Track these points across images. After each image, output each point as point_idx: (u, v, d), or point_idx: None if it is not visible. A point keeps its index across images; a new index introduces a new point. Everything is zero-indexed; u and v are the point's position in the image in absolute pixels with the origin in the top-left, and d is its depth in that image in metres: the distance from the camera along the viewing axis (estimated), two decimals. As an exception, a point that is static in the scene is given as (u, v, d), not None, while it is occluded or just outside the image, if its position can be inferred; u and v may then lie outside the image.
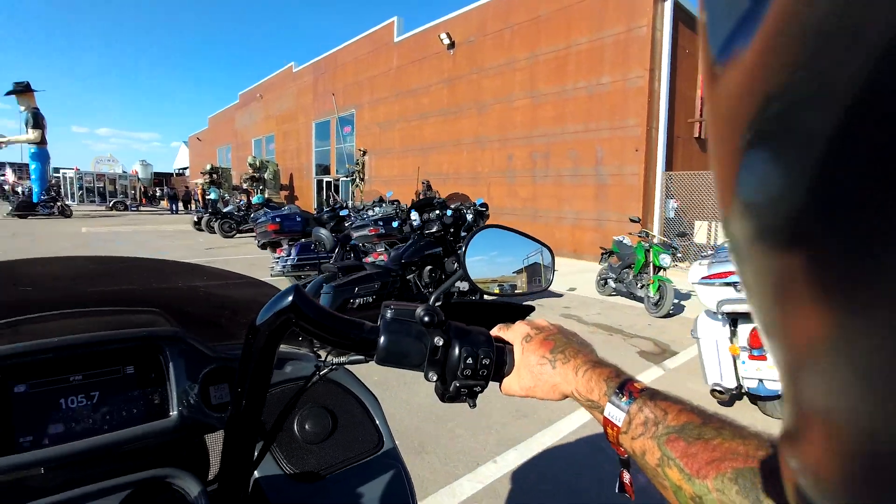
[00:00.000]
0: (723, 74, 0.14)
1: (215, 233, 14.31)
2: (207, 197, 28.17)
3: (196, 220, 15.00)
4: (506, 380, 0.55)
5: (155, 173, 41.06)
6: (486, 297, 0.68)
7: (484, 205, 6.72)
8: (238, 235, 13.70)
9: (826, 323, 0.12)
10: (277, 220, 6.12)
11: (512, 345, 0.56)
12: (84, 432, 0.61)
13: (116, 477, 0.60)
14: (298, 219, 6.11)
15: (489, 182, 12.86)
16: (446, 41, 13.69)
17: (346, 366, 0.61)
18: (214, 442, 0.76)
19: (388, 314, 0.52)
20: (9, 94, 20.95)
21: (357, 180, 14.58)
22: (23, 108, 21.13)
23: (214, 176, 30.10)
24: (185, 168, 48.50)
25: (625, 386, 0.46)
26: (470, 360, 0.52)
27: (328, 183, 21.26)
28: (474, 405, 0.54)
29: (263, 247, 7.09)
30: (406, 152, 15.87)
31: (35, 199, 19.82)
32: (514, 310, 0.70)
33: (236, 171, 31.45)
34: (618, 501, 1.48)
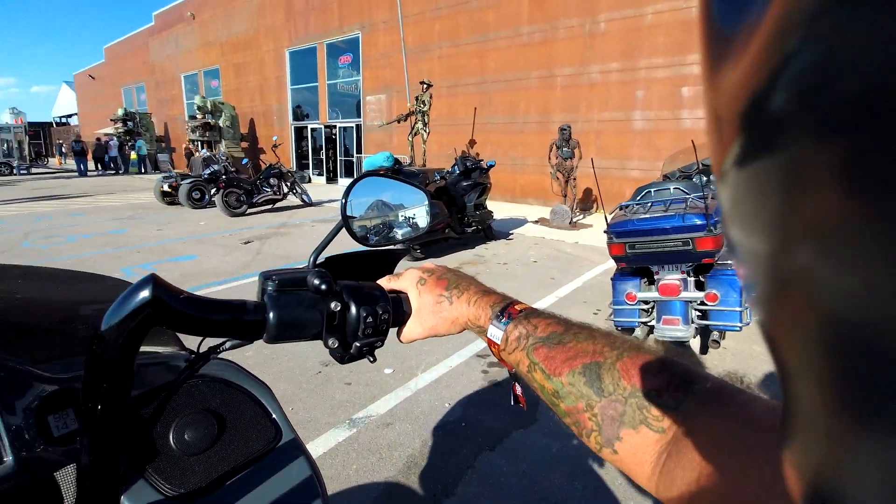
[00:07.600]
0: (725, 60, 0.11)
1: (205, 205, 9.75)
2: (137, 152, 21.69)
3: (168, 188, 10.14)
4: (406, 326, 0.57)
5: (29, 123, 32.17)
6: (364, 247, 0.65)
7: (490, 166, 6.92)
8: (249, 211, 9.32)
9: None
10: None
11: (405, 293, 0.57)
12: None
13: None
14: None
15: (600, 129, 9.69)
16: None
17: (227, 354, 0.53)
18: (67, 476, 0.62)
19: (271, 287, 0.49)
20: None
21: (419, 126, 10.54)
22: None
23: (130, 124, 23.09)
24: (71, 115, 38.80)
25: (506, 309, 0.50)
26: (370, 319, 0.52)
27: (314, 129, 16.52)
28: (375, 359, 0.55)
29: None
30: (453, 89, 12.00)
31: None
32: (390, 255, 0.67)
33: (157, 117, 24.67)
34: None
